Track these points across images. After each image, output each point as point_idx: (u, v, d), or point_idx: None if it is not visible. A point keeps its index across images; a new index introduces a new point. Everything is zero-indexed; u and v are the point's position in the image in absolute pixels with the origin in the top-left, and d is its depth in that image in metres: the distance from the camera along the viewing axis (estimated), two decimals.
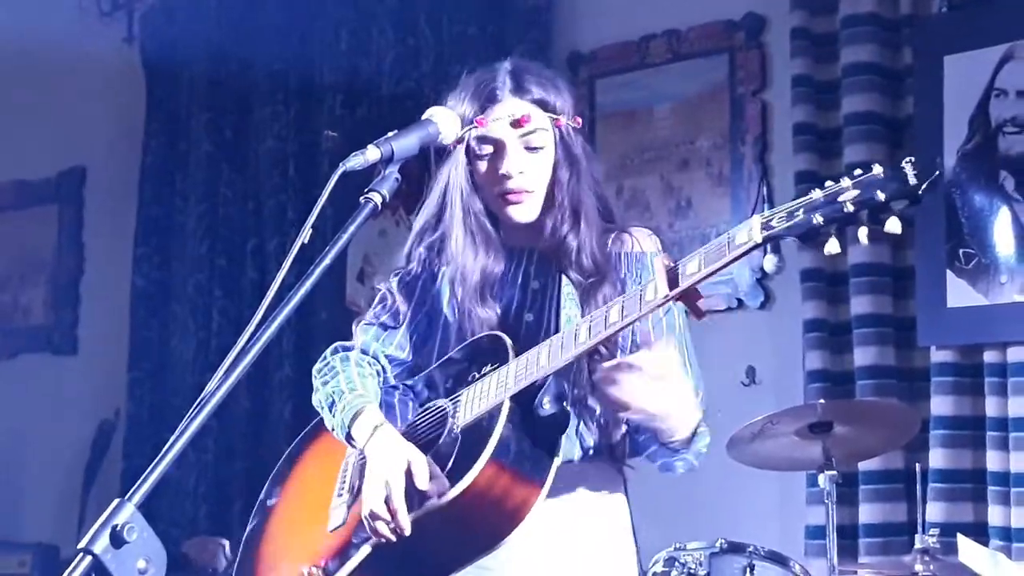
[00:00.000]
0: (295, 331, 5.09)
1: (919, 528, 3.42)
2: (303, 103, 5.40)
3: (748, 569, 3.30)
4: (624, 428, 2.16)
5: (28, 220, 6.37)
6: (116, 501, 1.41)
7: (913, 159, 1.70)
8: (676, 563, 3.33)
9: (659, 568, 3.34)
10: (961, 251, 3.86)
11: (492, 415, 2.01)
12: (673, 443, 2.07)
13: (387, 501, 2.01)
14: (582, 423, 2.13)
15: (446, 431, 2.09)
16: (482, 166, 2.19)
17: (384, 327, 2.30)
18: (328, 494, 2.24)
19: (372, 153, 1.89)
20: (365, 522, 2.05)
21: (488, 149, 2.18)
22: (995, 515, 3.72)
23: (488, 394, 2.04)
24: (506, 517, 2.00)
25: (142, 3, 6.03)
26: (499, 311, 2.20)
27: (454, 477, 1.98)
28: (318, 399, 2.27)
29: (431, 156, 2.18)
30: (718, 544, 3.34)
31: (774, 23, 4.38)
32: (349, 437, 2.16)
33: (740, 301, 4.32)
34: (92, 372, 5.98)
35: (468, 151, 2.19)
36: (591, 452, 2.16)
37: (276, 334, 1.63)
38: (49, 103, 6.16)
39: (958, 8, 3.98)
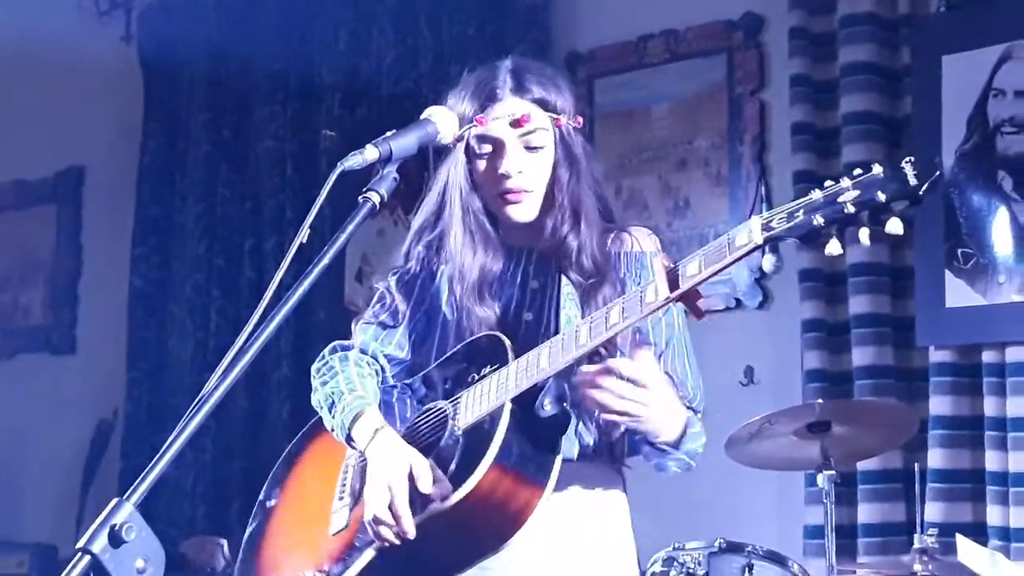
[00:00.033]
0: (293, 331, 5.08)
1: (918, 528, 3.43)
2: (302, 103, 5.40)
3: (747, 569, 3.30)
4: (622, 428, 2.16)
5: (26, 220, 6.37)
6: (114, 501, 1.41)
7: (913, 159, 1.69)
8: (675, 563, 3.33)
9: (658, 568, 3.34)
10: (959, 251, 3.86)
11: (493, 417, 2.01)
12: (660, 443, 2.07)
13: (391, 506, 2.00)
14: (581, 423, 2.13)
15: (447, 433, 2.08)
16: (481, 165, 2.19)
17: (383, 326, 2.30)
18: (328, 496, 2.24)
19: (370, 153, 1.89)
20: (368, 527, 2.04)
21: (487, 148, 2.17)
22: (993, 515, 3.72)
23: (489, 396, 2.04)
24: (509, 519, 2.00)
25: (140, 2, 6.02)
26: (498, 310, 2.20)
27: (457, 480, 1.98)
28: (317, 399, 2.26)
29: (430, 156, 2.18)
30: (717, 544, 3.34)
31: (772, 23, 4.38)
32: (349, 439, 2.16)
33: (738, 301, 4.32)
34: (90, 372, 5.98)
35: (468, 150, 2.18)
36: (590, 451, 2.16)
37: (274, 334, 1.63)
38: (47, 103, 6.16)
39: (956, 8, 3.98)
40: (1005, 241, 3.81)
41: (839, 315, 4.05)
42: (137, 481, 1.45)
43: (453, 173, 2.21)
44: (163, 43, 5.83)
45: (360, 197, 1.86)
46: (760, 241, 1.76)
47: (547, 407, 2.04)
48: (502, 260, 2.23)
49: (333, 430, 2.20)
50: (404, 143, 1.94)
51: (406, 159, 1.94)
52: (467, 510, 1.97)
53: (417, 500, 2.01)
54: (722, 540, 3.35)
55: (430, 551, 2.04)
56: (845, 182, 1.72)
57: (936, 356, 3.87)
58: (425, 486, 2.00)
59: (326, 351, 2.32)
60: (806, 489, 3.93)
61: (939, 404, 3.83)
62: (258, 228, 5.45)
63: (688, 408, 2.15)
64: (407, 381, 2.27)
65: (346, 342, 2.32)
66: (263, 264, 5.40)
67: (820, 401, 3.41)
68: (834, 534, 3.33)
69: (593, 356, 2.03)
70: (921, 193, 1.68)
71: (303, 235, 1.74)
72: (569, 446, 2.12)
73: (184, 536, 4.84)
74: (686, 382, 2.19)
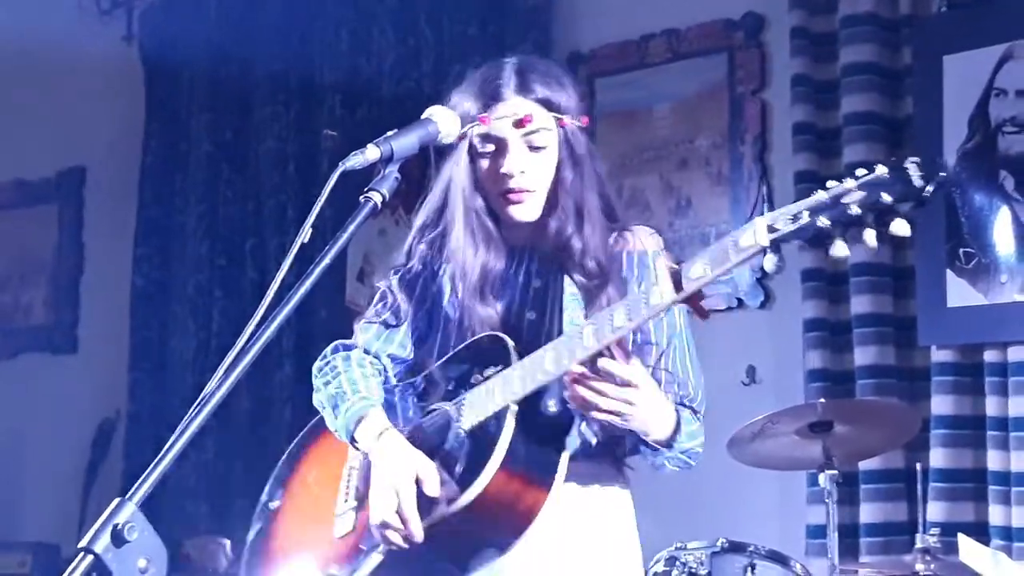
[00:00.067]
0: (295, 331, 5.08)
1: (920, 527, 3.42)
2: (303, 103, 5.40)
3: (749, 568, 3.30)
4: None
5: (28, 220, 6.37)
6: (117, 500, 1.41)
7: (918, 160, 1.68)
8: (677, 562, 3.33)
9: (660, 567, 3.34)
10: (961, 251, 3.86)
11: (498, 419, 2.00)
12: (652, 442, 2.07)
13: (398, 510, 2.00)
14: (584, 421, 2.12)
15: (452, 435, 2.08)
16: (484, 164, 2.18)
17: (386, 325, 2.29)
18: (332, 498, 2.23)
19: (372, 152, 1.88)
20: (376, 531, 2.04)
21: (490, 147, 2.17)
22: (996, 514, 3.72)
23: (493, 398, 2.03)
24: (516, 520, 2.00)
25: (141, 2, 6.02)
26: (500, 309, 2.19)
27: (464, 483, 1.98)
28: (319, 399, 2.25)
29: (431, 155, 2.18)
30: (719, 543, 3.34)
31: (773, 22, 4.38)
32: (353, 440, 2.15)
33: (740, 300, 4.32)
34: (92, 372, 5.98)
35: (471, 148, 2.18)
36: (594, 449, 2.15)
37: (276, 334, 1.62)
38: (49, 103, 6.16)
39: (957, 8, 3.97)
40: (1007, 241, 3.81)
41: (841, 315, 4.05)
42: (139, 481, 1.45)
43: (456, 171, 2.20)
44: (164, 43, 5.83)
45: (361, 197, 1.85)
46: (765, 243, 1.75)
47: (551, 407, 2.04)
48: (504, 259, 2.22)
49: (336, 431, 2.19)
50: (405, 143, 1.94)
51: (407, 159, 1.94)
52: (474, 513, 1.96)
53: (424, 503, 2.00)
54: (724, 540, 3.35)
55: (437, 553, 2.04)
56: (849, 183, 1.71)
57: (938, 356, 3.87)
58: (432, 489, 2.00)
59: (328, 350, 2.31)
60: (808, 489, 3.93)
61: (941, 404, 3.83)
62: (260, 228, 5.46)
63: (688, 407, 2.15)
64: (409, 381, 2.27)
65: (348, 341, 2.31)
66: (265, 264, 5.40)
67: (822, 401, 3.41)
68: (836, 534, 3.33)
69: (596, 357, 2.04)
70: (927, 195, 1.67)
71: (305, 235, 1.74)
72: (572, 444, 2.12)
73: (187, 536, 4.84)
74: (687, 381, 2.18)
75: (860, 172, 1.72)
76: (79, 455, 5.80)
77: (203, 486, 5.38)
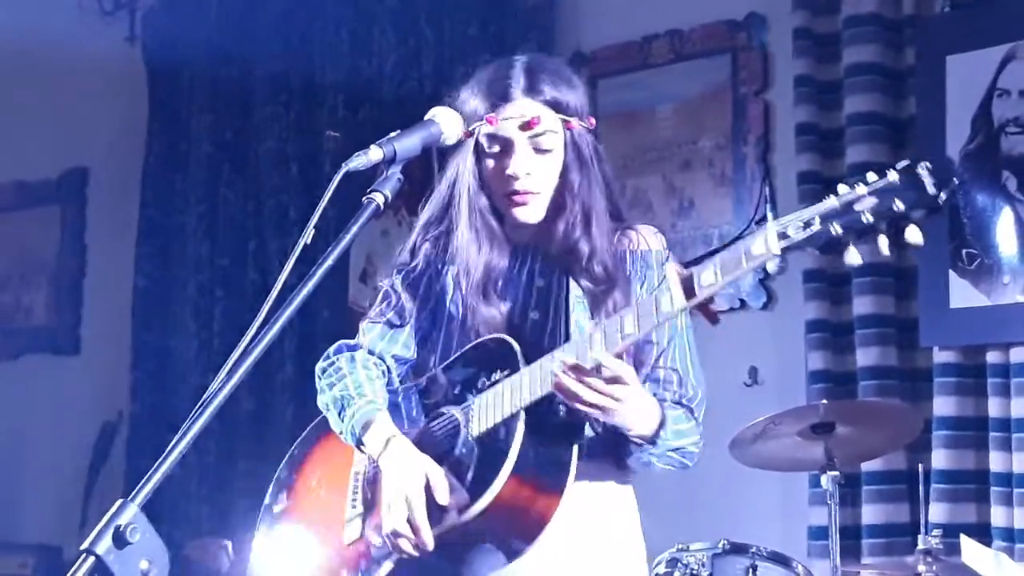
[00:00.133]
0: (297, 332, 5.08)
1: (922, 529, 3.41)
2: (304, 103, 5.40)
3: (751, 570, 3.30)
4: None
5: (30, 221, 6.38)
6: (119, 502, 1.41)
7: (930, 165, 1.66)
8: (679, 564, 3.33)
9: (662, 569, 3.34)
10: (964, 251, 3.86)
11: (508, 426, 2.00)
12: (634, 437, 2.06)
13: (409, 519, 1.99)
14: (588, 420, 2.11)
15: (460, 441, 2.07)
16: (490, 164, 2.17)
17: (390, 325, 2.27)
18: (337, 502, 2.23)
19: (374, 154, 1.88)
20: (387, 539, 2.03)
21: (496, 148, 2.16)
22: (998, 516, 3.71)
23: (502, 403, 2.02)
24: (528, 527, 1.99)
25: (144, 3, 6.03)
26: (504, 309, 2.18)
27: (475, 490, 1.97)
28: (324, 401, 2.24)
29: (433, 156, 2.18)
30: (721, 545, 3.34)
31: (776, 23, 4.37)
32: (359, 444, 2.14)
33: (743, 301, 4.31)
34: (94, 373, 5.98)
35: (477, 146, 2.17)
36: (596, 446, 2.13)
37: (278, 335, 1.62)
38: (51, 104, 6.16)
39: (960, 8, 3.97)
40: (1009, 241, 3.81)
41: (843, 316, 4.04)
42: (142, 482, 1.44)
43: (462, 168, 2.19)
44: (167, 44, 5.83)
45: (364, 198, 1.85)
46: (777, 251, 1.74)
47: (560, 412, 2.03)
48: (508, 258, 2.22)
49: (342, 433, 2.18)
50: (408, 144, 1.93)
51: (410, 160, 1.94)
52: (486, 520, 1.96)
53: (434, 511, 2.00)
54: (726, 541, 3.34)
55: (448, 561, 2.04)
56: (861, 188, 1.69)
57: (940, 357, 3.87)
58: (442, 497, 2.00)
59: (331, 350, 2.30)
60: (810, 490, 3.93)
61: (943, 405, 3.82)
62: (261, 229, 5.46)
63: (685, 407, 2.14)
64: (413, 383, 2.26)
65: (351, 341, 2.30)
66: (267, 265, 5.40)
67: (824, 402, 3.41)
68: (838, 535, 3.32)
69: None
70: (940, 202, 1.64)
71: (307, 236, 1.74)
72: (581, 447, 2.11)
73: (188, 537, 4.84)
74: (686, 381, 2.17)
75: (871, 177, 1.70)
76: (81, 456, 5.80)
77: (205, 488, 5.38)
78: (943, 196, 1.65)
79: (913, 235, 1.66)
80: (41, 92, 6.14)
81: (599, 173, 2.20)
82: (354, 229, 1.80)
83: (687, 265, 1.94)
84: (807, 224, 1.72)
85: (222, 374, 1.57)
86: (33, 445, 5.99)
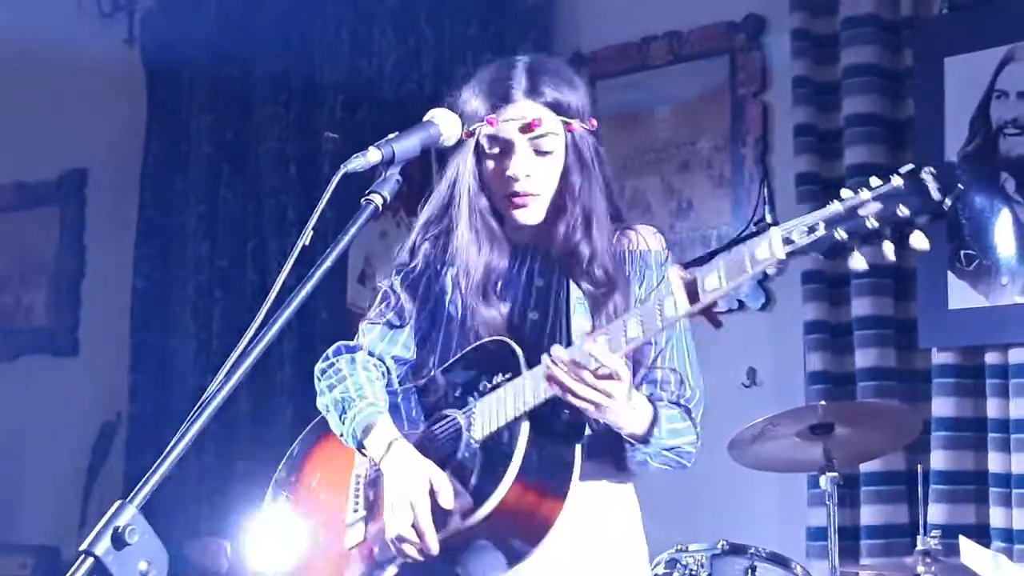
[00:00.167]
0: (296, 333, 5.08)
1: (921, 530, 3.42)
2: (304, 104, 5.40)
3: (750, 570, 3.30)
4: None
5: (29, 222, 6.37)
6: (118, 503, 1.41)
7: (934, 170, 1.64)
8: (678, 565, 3.33)
9: (661, 570, 3.34)
10: (962, 253, 3.86)
11: (511, 430, 1.99)
12: (626, 436, 2.06)
13: (414, 524, 1.99)
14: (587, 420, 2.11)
15: (463, 445, 2.06)
16: (490, 165, 2.17)
17: (390, 326, 2.26)
18: (339, 504, 2.22)
19: (373, 155, 1.88)
20: (391, 544, 2.03)
21: (497, 149, 2.15)
22: (997, 517, 3.71)
23: (505, 407, 2.02)
24: (532, 530, 1.99)
25: (143, 4, 6.03)
26: (503, 309, 2.18)
27: (478, 495, 1.97)
28: (324, 403, 2.23)
29: (432, 158, 2.17)
30: (719, 546, 3.34)
31: (774, 24, 4.38)
32: (360, 447, 2.14)
33: (741, 303, 4.31)
34: (93, 374, 5.98)
35: (478, 147, 2.16)
36: (598, 447, 2.12)
37: (277, 336, 1.62)
38: (50, 104, 6.16)
39: (959, 10, 3.97)
40: (1008, 243, 3.81)
41: (842, 317, 4.05)
42: (140, 483, 1.45)
43: (463, 169, 2.18)
44: (166, 45, 5.83)
45: (363, 199, 1.85)
46: (782, 256, 1.73)
47: (563, 415, 2.02)
48: (507, 258, 2.21)
49: (342, 435, 2.17)
50: (407, 145, 1.93)
51: (409, 161, 1.93)
52: (490, 525, 1.96)
53: (438, 515, 1.99)
54: (725, 542, 3.35)
55: (452, 565, 2.04)
56: (864, 193, 1.68)
57: (939, 358, 3.87)
58: (446, 502, 1.99)
59: (330, 351, 2.29)
60: (809, 491, 3.93)
61: (942, 406, 3.82)
62: (260, 230, 5.46)
63: (682, 407, 2.14)
64: (413, 383, 2.25)
65: (350, 343, 2.29)
66: (266, 266, 5.40)
67: (823, 403, 3.41)
68: (837, 536, 3.33)
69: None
70: (946, 208, 1.63)
71: (306, 237, 1.74)
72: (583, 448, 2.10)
73: (187, 538, 4.84)
74: (684, 381, 2.17)
75: (874, 182, 1.68)
76: (80, 457, 5.80)
77: (204, 489, 5.37)
78: (948, 202, 1.63)
79: (919, 241, 1.65)
80: (40, 93, 6.14)
81: (600, 175, 2.19)
82: (353, 230, 1.80)
83: (687, 266, 1.93)
84: (812, 229, 1.71)
85: (221, 375, 1.57)
86: (32, 446, 5.98)
